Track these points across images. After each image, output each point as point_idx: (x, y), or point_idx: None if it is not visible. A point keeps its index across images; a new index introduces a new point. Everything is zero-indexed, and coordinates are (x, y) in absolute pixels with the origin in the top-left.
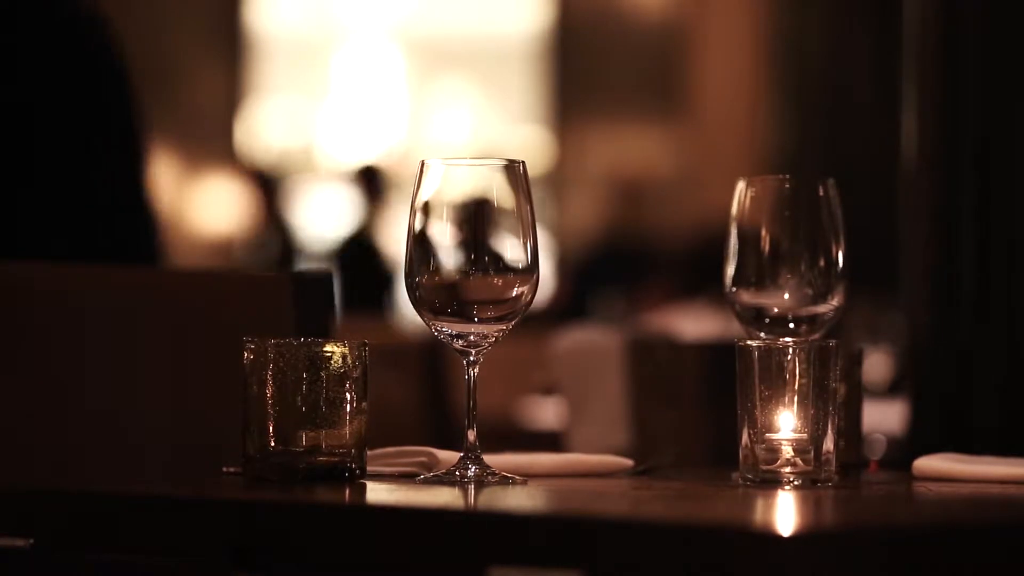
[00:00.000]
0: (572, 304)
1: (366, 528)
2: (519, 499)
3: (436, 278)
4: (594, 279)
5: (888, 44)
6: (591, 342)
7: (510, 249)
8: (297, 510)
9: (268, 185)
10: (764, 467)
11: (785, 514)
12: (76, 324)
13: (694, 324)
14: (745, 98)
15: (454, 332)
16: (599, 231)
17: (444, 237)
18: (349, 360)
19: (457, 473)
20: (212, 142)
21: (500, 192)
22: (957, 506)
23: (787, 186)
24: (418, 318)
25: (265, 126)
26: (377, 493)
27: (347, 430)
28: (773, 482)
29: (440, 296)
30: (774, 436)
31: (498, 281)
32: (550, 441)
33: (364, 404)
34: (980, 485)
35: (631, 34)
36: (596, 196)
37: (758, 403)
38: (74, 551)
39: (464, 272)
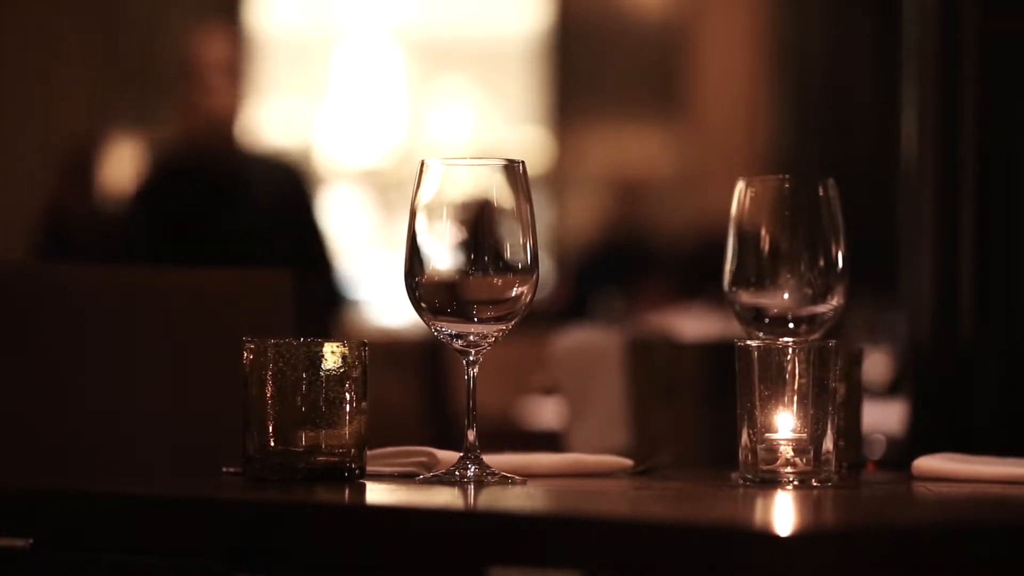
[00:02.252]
0: (572, 304)
1: (366, 528)
2: (519, 499)
3: (436, 278)
4: (594, 279)
5: (888, 44)
6: (591, 342)
7: (510, 249)
8: (297, 510)
9: None
10: (764, 467)
11: (785, 514)
12: (76, 324)
13: (694, 324)
14: (745, 98)
15: (454, 332)
16: (599, 231)
17: (444, 237)
18: (349, 360)
19: (457, 473)
20: None
21: (500, 192)
22: (957, 506)
23: (787, 186)
24: (418, 318)
25: (265, 126)
26: (377, 493)
27: (347, 430)
28: (773, 482)
29: (440, 296)
30: (774, 436)
31: (498, 281)
32: (550, 441)
33: (364, 404)
34: (980, 485)
35: (631, 34)
36: (596, 196)
37: (758, 403)
38: (74, 551)
39: (464, 272)
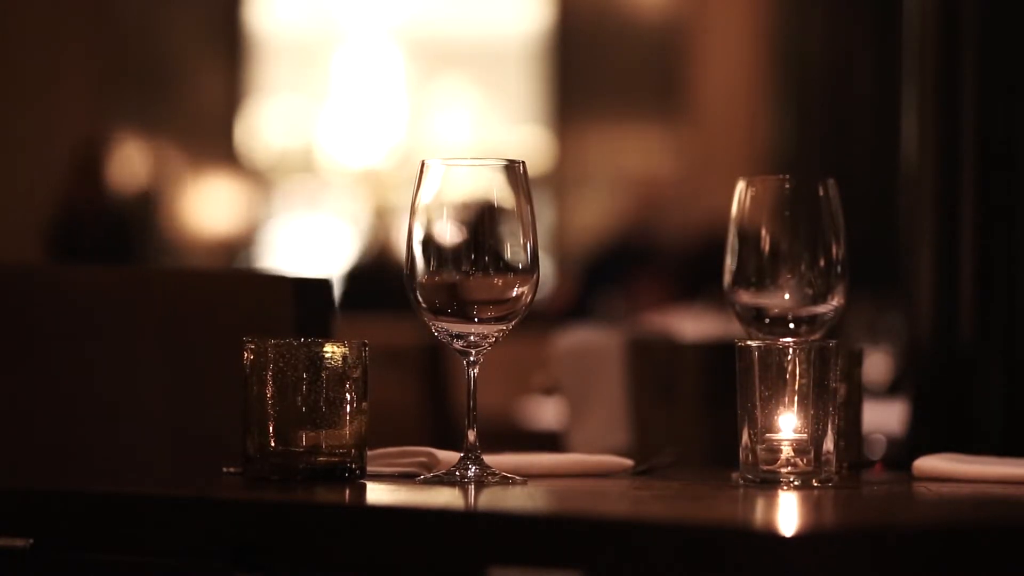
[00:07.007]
0: (572, 304)
1: (366, 528)
2: (519, 499)
3: (436, 278)
4: (594, 279)
5: (888, 44)
6: (591, 342)
7: (510, 249)
8: (297, 510)
9: None
10: (764, 467)
11: (785, 514)
12: (76, 324)
13: (694, 324)
14: (745, 98)
15: (454, 332)
16: (605, 231)
17: (444, 237)
18: (349, 360)
19: (457, 473)
20: (212, 142)
21: (500, 192)
22: (957, 506)
23: (787, 186)
24: (418, 318)
25: (265, 126)
26: (377, 493)
27: (347, 430)
28: (773, 482)
29: (440, 296)
30: (774, 436)
31: (498, 281)
32: (550, 441)
33: (364, 404)
34: (980, 485)
35: (631, 34)
36: (596, 196)
37: (758, 403)
38: (74, 551)
39: (464, 272)
